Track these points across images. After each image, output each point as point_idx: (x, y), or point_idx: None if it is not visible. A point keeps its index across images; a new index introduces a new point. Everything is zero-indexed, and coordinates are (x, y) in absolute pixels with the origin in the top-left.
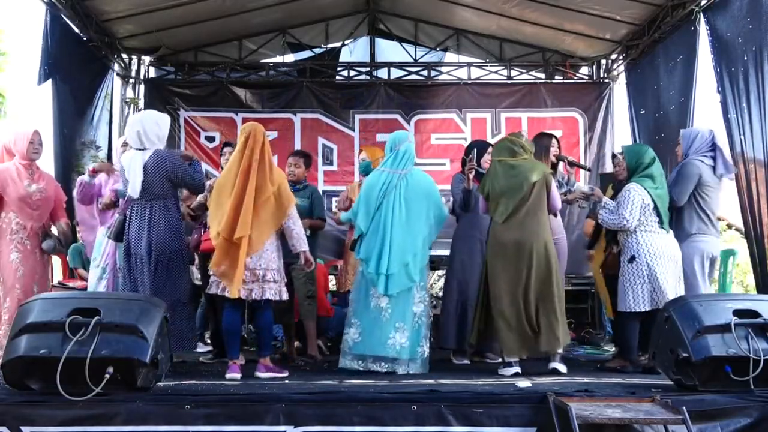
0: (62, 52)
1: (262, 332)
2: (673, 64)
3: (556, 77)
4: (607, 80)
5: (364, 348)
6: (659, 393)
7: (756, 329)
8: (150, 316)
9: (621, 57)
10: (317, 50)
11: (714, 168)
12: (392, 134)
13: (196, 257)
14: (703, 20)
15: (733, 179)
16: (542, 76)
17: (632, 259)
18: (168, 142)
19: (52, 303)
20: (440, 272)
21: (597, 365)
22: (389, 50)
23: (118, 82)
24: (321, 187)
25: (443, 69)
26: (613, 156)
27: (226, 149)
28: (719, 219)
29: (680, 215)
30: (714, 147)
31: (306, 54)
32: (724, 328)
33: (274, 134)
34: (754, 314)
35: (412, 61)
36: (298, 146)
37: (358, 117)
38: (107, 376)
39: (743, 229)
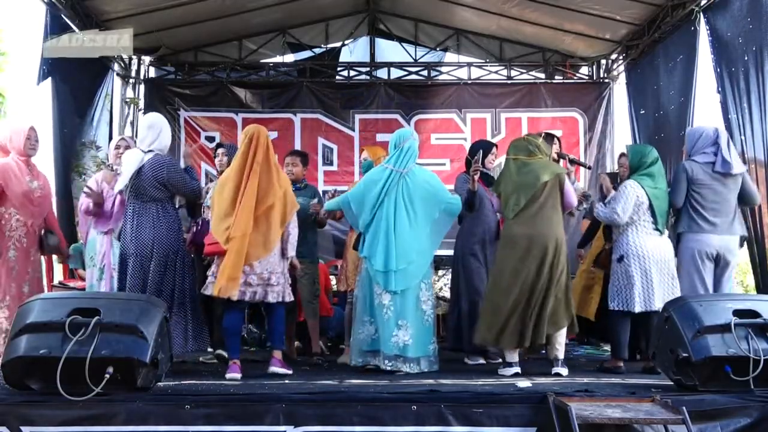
0: None
1: (276, 327)
2: (673, 64)
3: (556, 77)
4: (607, 80)
5: (378, 345)
6: (659, 393)
7: (756, 329)
8: (150, 316)
9: (621, 57)
10: (317, 50)
11: (713, 165)
12: (396, 131)
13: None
14: (703, 20)
15: (736, 174)
16: (542, 76)
17: (620, 258)
18: None
19: (52, 303)
20: (440, 272)
21: (597, 365)
22: (389, 50)
23: (118, 82)
24: (321, 187)
25: (443, 69)
26: (621, 155)
27: (220, 150)
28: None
29: (677, 216)
30: (716, 144)
31: (306, 54)
32: (724, 328)
33: (274, 134)
34: (754, 314)
35: (412, 61)
36: (298, 146)
37: (358, 117)
38: (107, 376)
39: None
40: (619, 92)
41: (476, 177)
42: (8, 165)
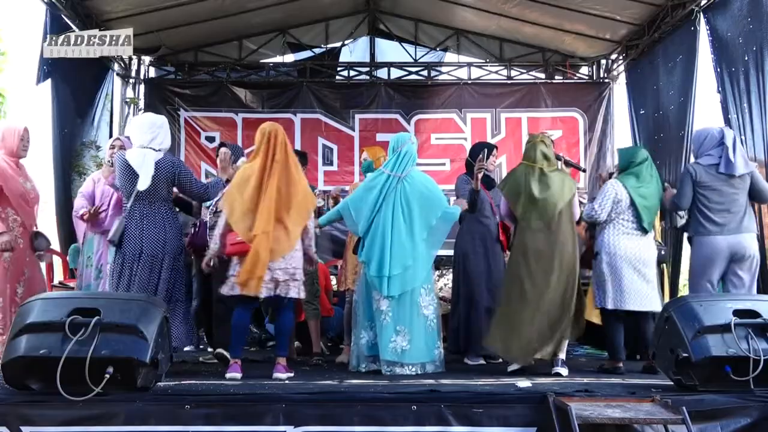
0: None
1: (283, 332)
2: (672, 64)
3: (556, 77)
4: (607, 80)
5: (377, 350)
6: (659, 393)
7: (756, 329)
8: (150, 316)
9: (621, 57)
10: (317, 50)
11: (718, 166)
12: (395, 136)
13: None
14: (703, 20)
15: (745, 181)
16: (542, 76)
17: (595, 255)
18: None
19: (52, 303)
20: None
21: (597, 365)
22: (389, 50)
23: (118, 82)
24: (321, 187)
25: (443, 69)
26: None
27: (222, 149)
28: None
29: (688, 219)
30: (721, 145)
31: (306, 54)
32: (724, 328)
33: None
34: (754, 314)
35: (412, 61)
36: (298, 146)
37: (358, 117)
38: (107, 376)
39: None
40: (619, 92)
41: (480, 176)
42: (3, 165)
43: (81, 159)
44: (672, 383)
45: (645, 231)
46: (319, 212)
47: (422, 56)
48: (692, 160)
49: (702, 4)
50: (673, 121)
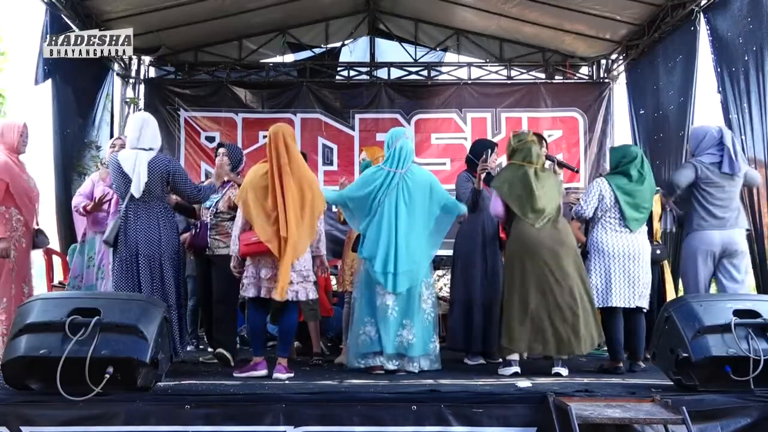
0: None
1: (287, 334)
2: (672, 64)
3: (556, 77)
4: (607, 80)
5: (381, 345)
6: (659, 393)
7: (756, 329)
8: (150, 316)
9: (621, 57)
10: (317, 50)
11: (720, 165)
12: (389, 131)
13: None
14: (703, 20)
15: (741, 177)
16: (542, 76)
17: (586, 254)
18: (168, 142)
19: (52, 303)
20: (440, 272)
21: (597, 365)
22: (389, 50)
23: (118, 82)
24: (321, 187)
25: (443, 69)
26: None
27: (221, 150)
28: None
29: (687, 215)
30: (721, 144)
31: (306, 54)
32: (724, 328)
33: None
34: (754, 314)
35: (412, 61)
36: (298, 146)
37: (358, 117)
38: (107, 376)
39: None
40: (619, 92)
41: (483, 176)
42: (9, 162)
43: (81, 159)
44: (672, 383)
45: (629, 229)
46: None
47: (422, 56)
48: (688, 158)
49: (702, 4)
50: (672, 121)
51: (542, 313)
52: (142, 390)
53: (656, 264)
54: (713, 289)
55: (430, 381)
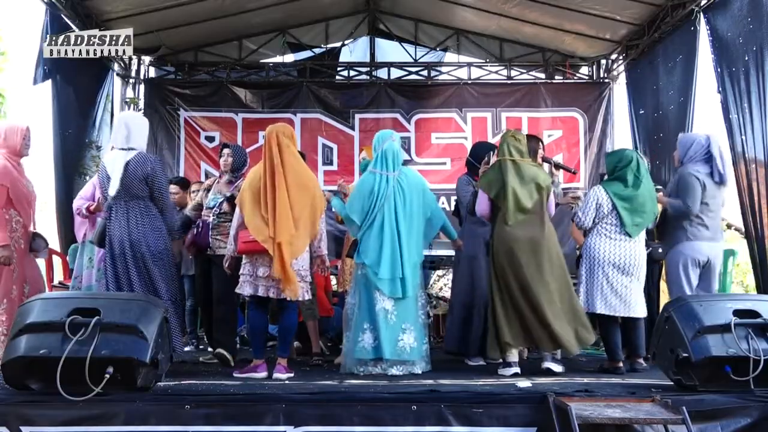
0: None
1: (286, 334)
2: (672, 64)
3: (556, 77)
4: (607, 80)
5: (379, 352)
6: (659, 393)
7: (756, 329)
8: (150, 316)
9: (621, 57)
10: (317, 50)
11: (711, 175)
12: (376, 134)
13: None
14: (703, 20)
15: (727, 187)
16: (542, 76)
17: (579, 258)
18: (168, 142)
19: (52, 303)
20: (440, 272)
21: (597, 365)
22: (389, 50)
23: (118, 82)
24: (321, 186)
25: (443, 69)
26: None
27: (225, 150)
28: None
29: (671, 223)
30: (709, 154)
31: (306, 54)
32: (724, 328)
33: None
34: (754, 314)
35: (412, 61)
36: (298, 146)
37: (358, 117)
38: (107, 376)
39: (743, 229)
40: (619, 92)
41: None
42: (9, 166)
43: (82, 159)
44: (672, 383)
45: (629, 235)
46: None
47: (422, 56)
48: (676, 164)
49: (702, 4)
50: (672, 121)
51: (525, 310)
52: (142, 390)
53: (656, 263)
54: None
55: (430, 381)
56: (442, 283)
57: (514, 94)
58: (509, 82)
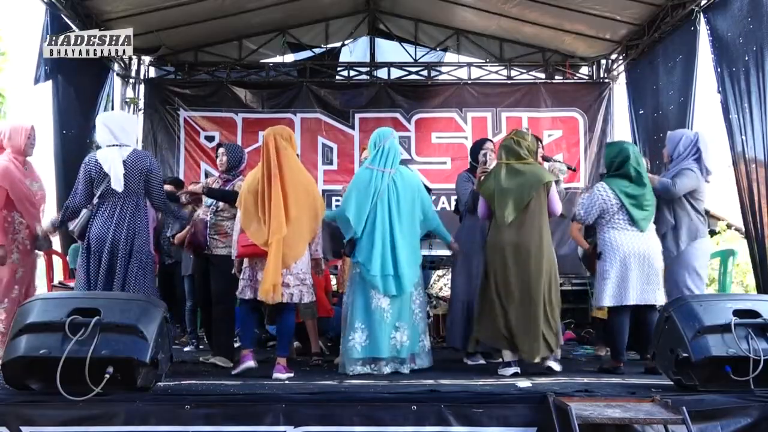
0: None
1: (285, 335)
2: (672, 64)
3: (556, 77)
4: (607, 80)
5: (371, 351)
6: (659, 393)
7: (756, 329)
8: (150, 316)
9: (621, 57)
10: (317, 50)
11: (701, 171)
12: (375, 131)
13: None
14: (703, 20)
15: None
16: (542, 76)
17: (599, 255)
18: (168, 142)
19: (52, 303)
20: (440, 272)
21: (597, 365)
22: (389, 50)
23: (118, 82)
24: (321, 186)
25: (443, 69)
26: None
27: (220, 150)
28: (719, 218)
29: (681, 220)
30: (697, 150)
31: (306, 54)
32: (724, 328)
33: None
34: (754, 314)
35: (412, 61)
36: (298, 146)
37: (358, 117)
38: (107, 376)
39: (743, 229)
40: (619, 92)
41: (482, 178)
42: (10, 167)
43: (82, 159)
44: (672, 383)
45: (639, 230)
46: None
47: (422, 56)
48: (666, 160)
49: (702, 4)
50: (672, 121)
51: (498, 312)
52: (142, 390)
53: None
54: None
55: (430, 381)
56: (442, 283)
57: (514, 94)
58: (509, 82)
